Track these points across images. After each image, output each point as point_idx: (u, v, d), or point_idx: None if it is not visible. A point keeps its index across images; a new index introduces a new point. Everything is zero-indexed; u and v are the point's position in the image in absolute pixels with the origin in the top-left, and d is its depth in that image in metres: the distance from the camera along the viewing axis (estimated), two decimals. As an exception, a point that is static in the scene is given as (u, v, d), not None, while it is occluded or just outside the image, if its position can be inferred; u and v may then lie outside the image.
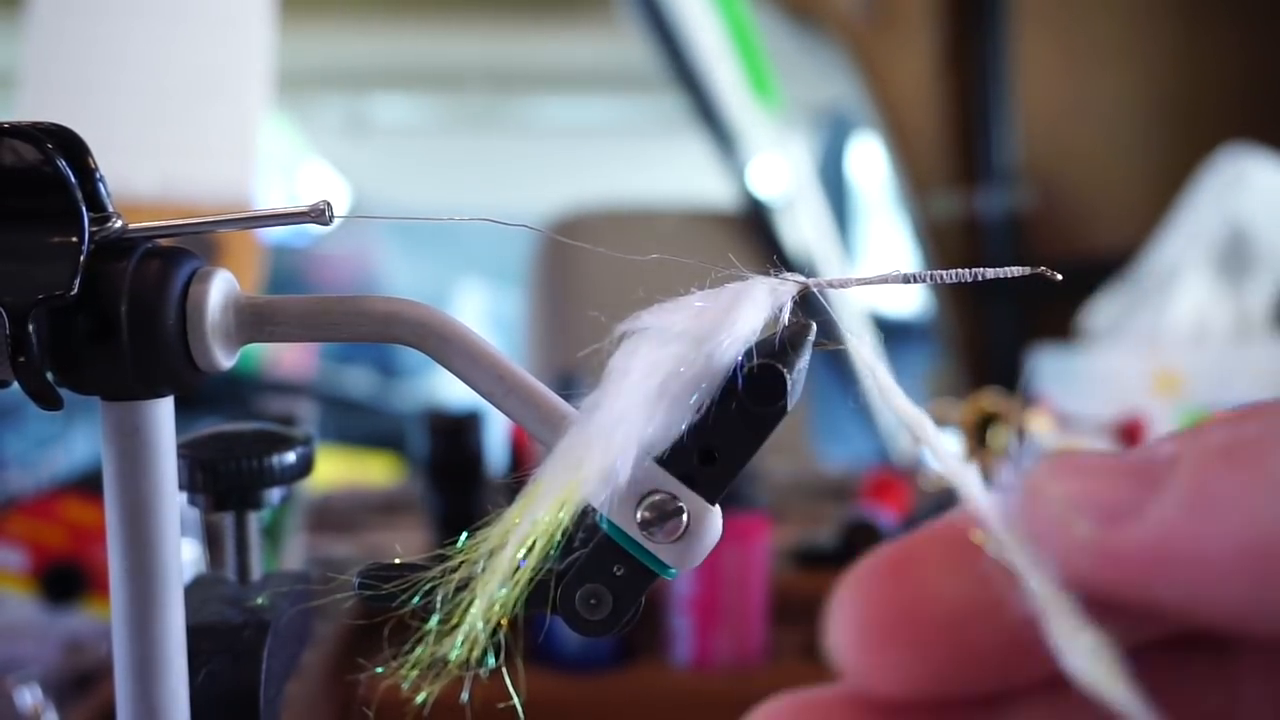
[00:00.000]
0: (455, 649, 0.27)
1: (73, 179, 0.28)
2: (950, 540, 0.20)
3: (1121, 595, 0.18)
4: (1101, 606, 0.18)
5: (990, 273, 0.29)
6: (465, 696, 0.28)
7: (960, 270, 0.29)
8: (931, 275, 0.29)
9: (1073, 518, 0.18)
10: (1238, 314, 1.66)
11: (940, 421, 0.95)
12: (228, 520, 0.40)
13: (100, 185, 0.29)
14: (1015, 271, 0.29)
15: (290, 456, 0.39)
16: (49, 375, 0.29)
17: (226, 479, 0.38)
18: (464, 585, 0.27)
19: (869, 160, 2.75)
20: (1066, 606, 0.18)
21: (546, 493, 0.26)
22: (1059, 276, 0.29)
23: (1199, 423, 0.19)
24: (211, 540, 0.42)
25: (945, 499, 0.88)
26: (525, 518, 0.27)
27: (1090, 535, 0.18)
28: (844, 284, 0.30)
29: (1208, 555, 0.17)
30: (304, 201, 0.30)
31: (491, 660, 0.28)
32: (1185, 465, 0.18)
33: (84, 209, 0.28)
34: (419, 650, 0.27)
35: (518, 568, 0.27)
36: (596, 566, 0.29)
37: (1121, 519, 0.18)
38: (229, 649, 0.36)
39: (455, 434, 0.93)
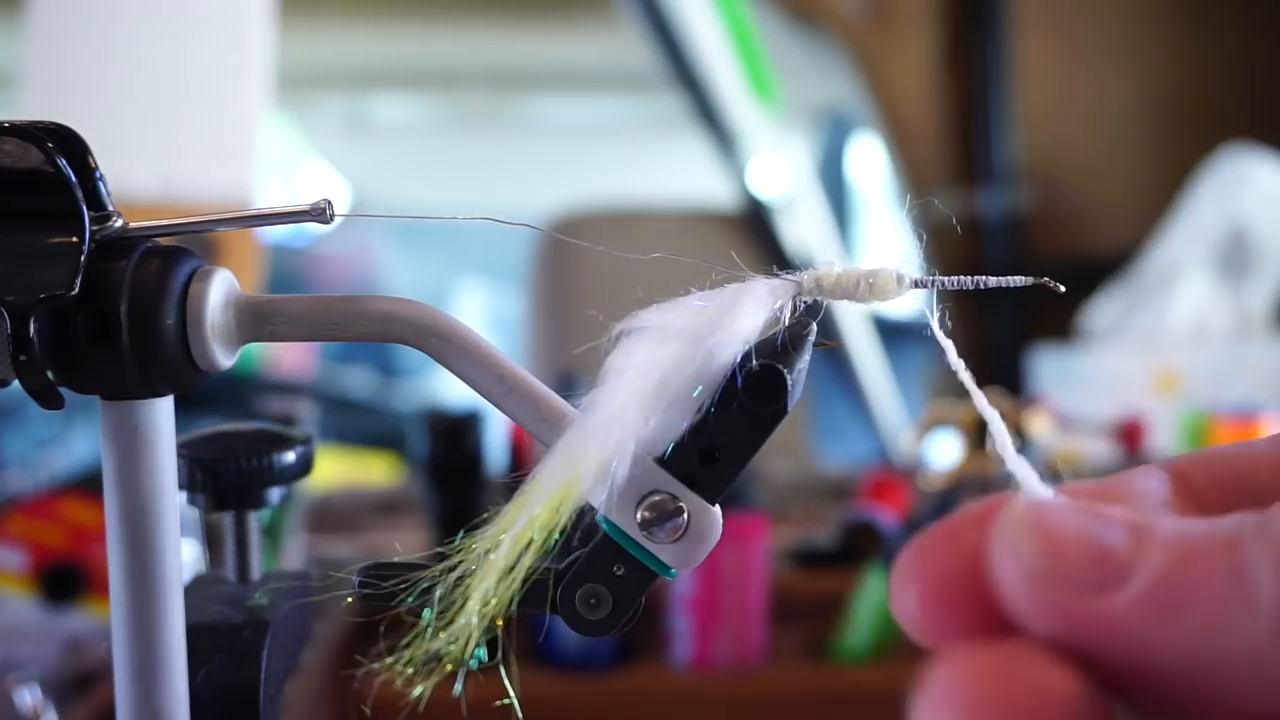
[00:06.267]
0: (449, 646, 0.27)
1: (73, 178, 0.28)
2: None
3: (1073, 646, 0.20)
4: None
5: (993, 281, 0.29)
6: (458, 689, 0.28)
7: (962, 277, 0.29)
8: (933, 281, 0.29)
9: (1045, 579, 0.20)
10: (1238, 314, 1.66)
11: (940, 422, 0.95)
12: (227, 520, 0.40)
13: (101, 184, 0.29)
14: (1018, 281, 0.29)
15: (290, 456, 0.39)
16: (49, 374, 0.29)
17: (226, 479, 0.38)
18: (460, 583, 0.27)
19: (869, 160, 2.75)
20: None
21: (543, 491, 0.26)
22: (1062, 289, 0.29)
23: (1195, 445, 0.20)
24: (211, 540, 0.42)
25: (946, 499, 0.88)
26: (522, 516, 0.27)
27: (1060, 600, 0.20)
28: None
29: (1156, 648, 0.19)
30: (304, 201, 0.30)
31: (484, 654, 0.28)
32: (1152, 562, 0.20)
33: (85, 208, 0.28)
34: (414, 648, 0.27)
35: (513, 566, 0.27)
36: (596, 566, 0.29)
37: (1093, 591, 0.20)
38: (229, 649, 0.36)
39: (455, 434, 0.93)
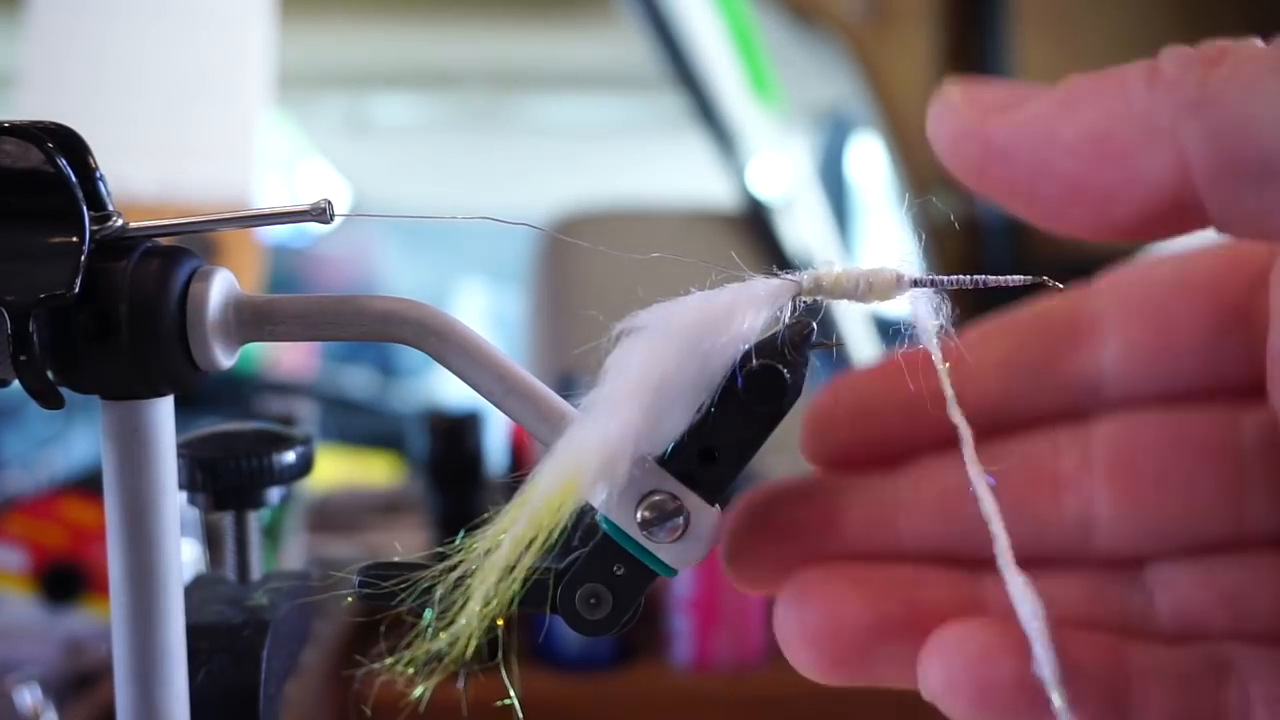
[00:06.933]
0: (450, 646, 0.27)
1: (73, 178, 0.28)
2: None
3: (993, 178, 0.25)
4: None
5: (992, 280, 0.29)
6: (460, 687, 0.28)
7: (961, 276, 0.29)
8: (933, 281, 0.29)
9: (965, 111, 0.26)
10: (1238, 314, 1.65)
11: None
12: (227, 520, 0.40)
13: (101, 184, 0.29)
14: (1017, 280, 0.29)
15: (290, 456, 0.39)
16: (49, 374, 0.29)
17: (226, 478, 0.38)
18: (460, 583, 0.27)
19: (869, 160, 2.75)
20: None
21: (544, 491, 0.26)
22: (1061, 287, 0.29)
23: None
24: (211, 540, 0.42)
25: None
26: (522, 516, 0.27)
27: (974, 121, 0.26)
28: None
29: (1059, 134, 0.24)
30: (304, 201, 0.30)
31: (484, 654, 0.28)
32: (1063, 82, 0.25)
33: (85, 208, 0.28)
34: (415, 648, 0.27)
35: (514, 566, 0.27)
36: (596, 566, 0.29)
37: (1002, 111, 0.25)
38: (229, 649, 0.36)
39: (455, 434, 0.93)
